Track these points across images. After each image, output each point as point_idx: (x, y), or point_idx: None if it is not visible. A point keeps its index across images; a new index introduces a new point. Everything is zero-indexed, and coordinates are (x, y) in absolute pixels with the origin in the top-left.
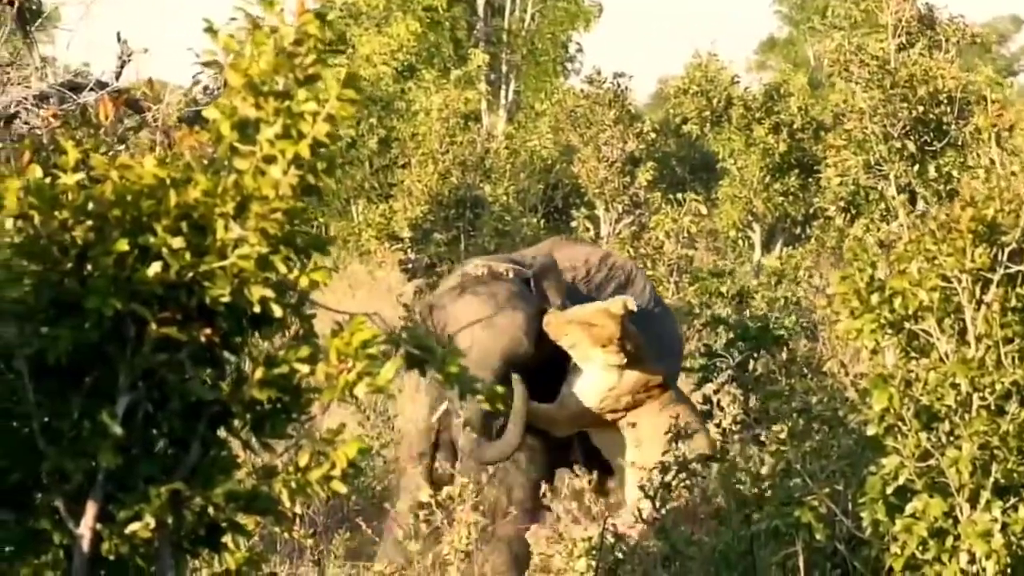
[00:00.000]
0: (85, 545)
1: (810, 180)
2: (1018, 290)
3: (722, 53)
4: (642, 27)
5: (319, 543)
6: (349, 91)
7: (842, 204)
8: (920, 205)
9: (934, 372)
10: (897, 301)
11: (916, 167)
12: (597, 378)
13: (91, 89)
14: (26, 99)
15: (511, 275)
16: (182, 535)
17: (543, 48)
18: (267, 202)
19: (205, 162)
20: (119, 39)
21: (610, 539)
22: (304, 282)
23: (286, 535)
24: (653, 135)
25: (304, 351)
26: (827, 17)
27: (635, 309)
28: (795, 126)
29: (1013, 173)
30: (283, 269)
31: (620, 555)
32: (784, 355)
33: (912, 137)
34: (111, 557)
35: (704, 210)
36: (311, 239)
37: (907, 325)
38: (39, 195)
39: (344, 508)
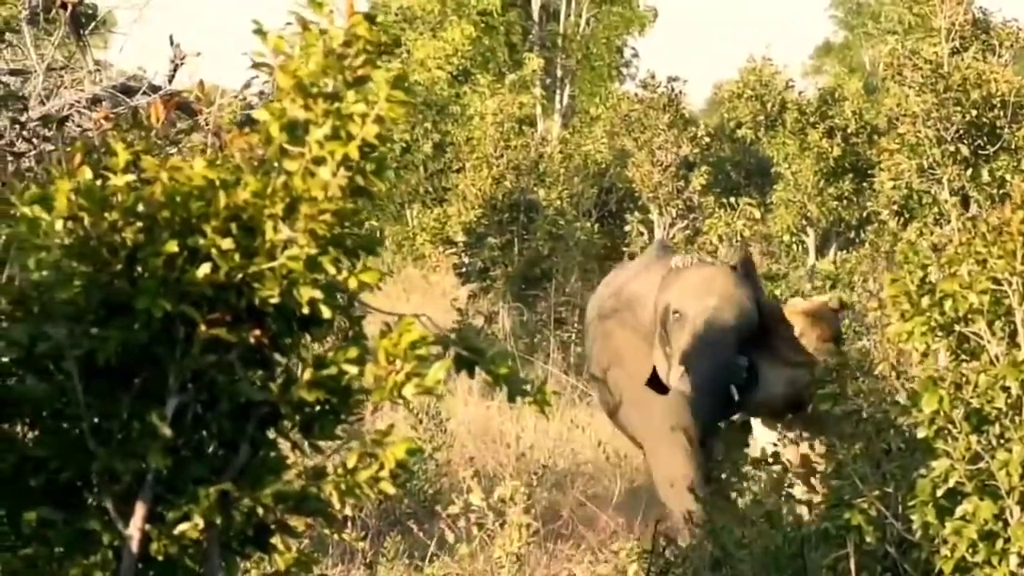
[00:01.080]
0: (134, 546)
1: (864, 184)
2: None
3: (778, 58)
4: (698, 33)
5: (371, 546)
6: (398, 92)
7: (895, 208)
8: (973, 209)
9: (984, 375)
10: (947, 303)
11: (969, 171)
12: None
13: (144, 93)
14: (78, 102)
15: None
16: (231, 536)
17: (598, 53)
18: (316, 203)
19: (255, 164)
20: (172, 43)
21: (661, 542)
22: (353, 283)
23: (337, 537)
24: (707, 139)
25: (353, 352)
26: (881, 22)
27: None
28: (849, 130)
29: None
30: (332, 270)
31: (672, 558)
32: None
33: (965, 141)
34: (160, 558)
35: (758, 214)
36: (360, 240)
37: (957, 327)
38: (89, 196)
39: (396, 511)
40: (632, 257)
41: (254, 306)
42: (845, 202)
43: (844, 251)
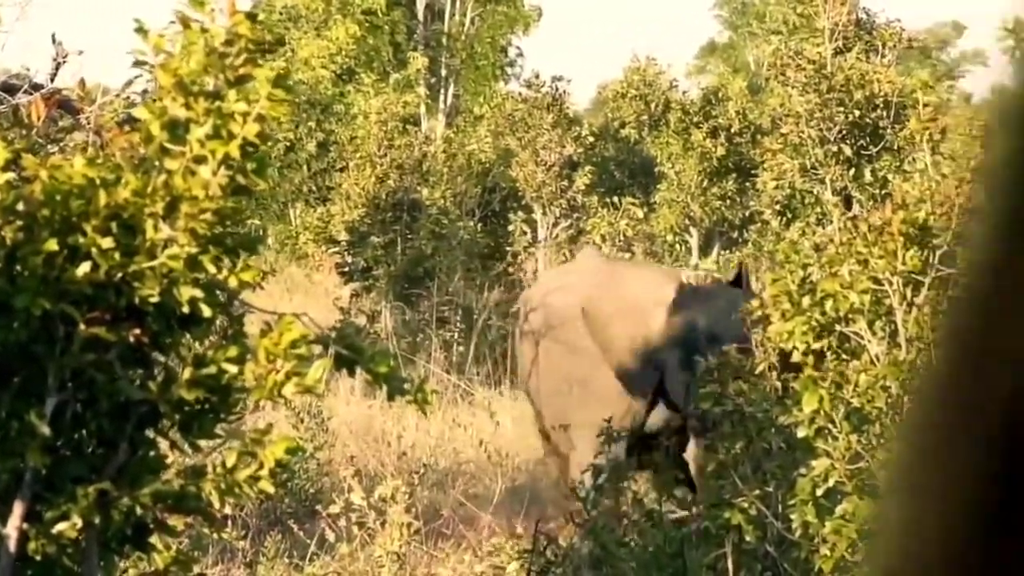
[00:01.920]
0: (11, 545)
1: (747, 184)
2: (949, 293)
3: (663, 58)
4: (582, 32)
5: (251, 545)
6: (280, 91)
7: (778, 208)
8: (856, 209)
9: (865, 374)
10: (828, 303)
11: (852, 171)
12: None
13: (25, 91)
14: None
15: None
16: (109, 535)
17: (482, 52)
18: (197, 202)
19: (135, 162)
20: (54, 41)
21: (543, 541)
22: (234, 282)
23: (216, 536)
24: (591, 139)
25: (233, 351)
26: (765, 22)
27: None
28: (733, 130)
29: (944, 175)
30: (212, 269)
31: (552, 557)
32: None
33: (848, 141)
34: (38, 557)
35: (641, 214)
36: (240, 239)
37: (838, 327)
38: None
39: (277, 510)
40: (516, 256)
41: (134, 305)
42: (728, 202)
43: (727, 251)
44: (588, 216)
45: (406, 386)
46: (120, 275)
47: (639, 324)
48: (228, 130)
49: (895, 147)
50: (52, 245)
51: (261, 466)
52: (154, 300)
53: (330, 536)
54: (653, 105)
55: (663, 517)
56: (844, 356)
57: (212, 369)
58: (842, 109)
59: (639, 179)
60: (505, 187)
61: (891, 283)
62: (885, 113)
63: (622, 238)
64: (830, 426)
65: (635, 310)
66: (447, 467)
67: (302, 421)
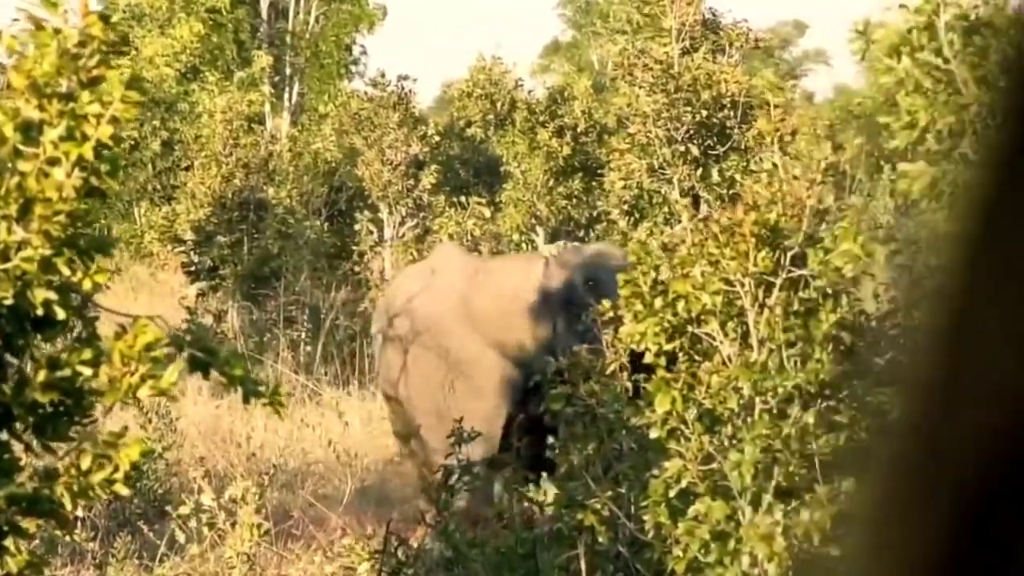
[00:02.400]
0: None
1: (594, 184)
2: (800, 294)
3: (507, 57)
4: (426, 30)
5: (101, 546)
6: (133, 93)
7: (626, 208)
8: (703, 209)
9: (717, 375)
10: (680, 304)
11: (699, 171)
12: None
13: None
14: None
15: None
16: None
17: (327, 50)
18: (51, 204)
19: None
20: None
21: (393, 542)
22: (88, 284)
23: (67, 538)
24: (437, 138)
25: (87, 354)
26: (610, 21)
27: None
28: (579, 129)
29: (795, 177)
30: (66, 271)
31: (403, 558)
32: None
33: (695, 141)
34: None
35: (488, 213)
36: (94, 241)
37: (690, 328)
38: None
39: (126, 511)
40: (362, 256)
41: None
42: (574, 201)
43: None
44: (435, 215)
45: (261, 388)
46: None
47: (522, 311)
48: (82, 132)
49: (742, 147)
50: None
51: (116, 469)
52: (8, 303)
53: (180, 537)
54: (499, 104)
55: (515, 518)
56: (696, 357)
57: (67, 372)
58: (689, 109)
59: (484, 178)
60: (352, 186)
61: (743, 284)
62: (732, 113)
63: (470, 237)
64: (682, 427)
65: (514, 299)
66: (296, 467)
67: (150, 421)
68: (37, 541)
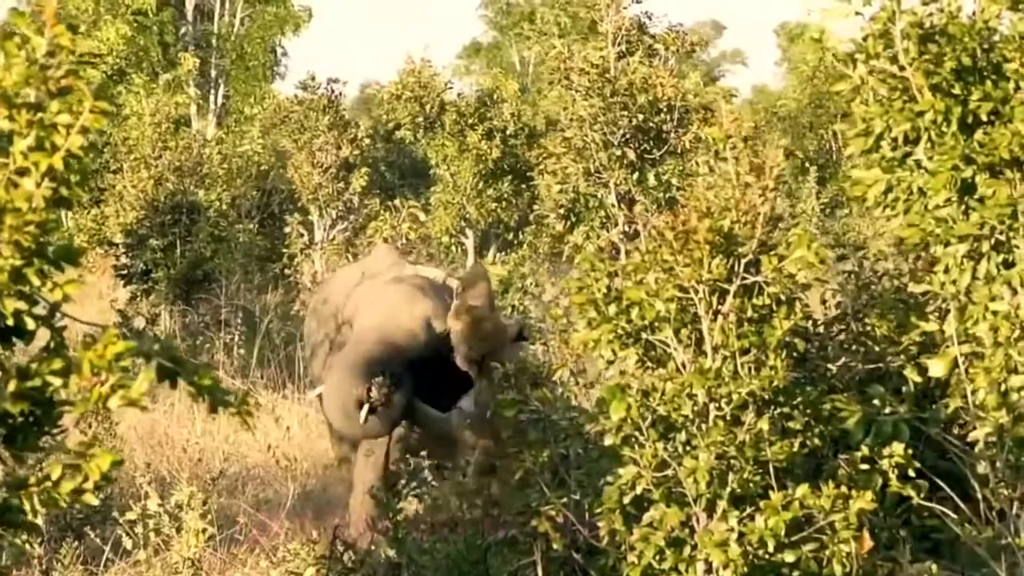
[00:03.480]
0: None
1: (523, 186)
2: (754, 301)
3: (424, 58)
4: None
5: (45, 552)
6: (102, 103)
7: (562, 211)
8: (639, 212)
9: (671, 382)
10: (634, 311)
11: (636, 175)
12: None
13: None
14: None
15: None
16: None
17: (252, 53)
18: (20, 214)
19: None
20: None
21: (339, 547)
22: (58, 294)
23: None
24: (367, 141)
25: (57, 364)
26: (536, 23)
27: None
28: (508, 132)
29: (748, 184)
30: (36, 282)
31: (350, 564)
32: (510, 366)
33: (632, 145)
34: None
35: (423, 216)
36: (61, 251)
37: (644, 335)
38: None
39: (67, 516)
40: (292, 258)
41: None
42: (504, 204)
43: (503, 252)
44: (368, 218)
45: (229, 398)
46: None
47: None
48: (52, 142)
49: (678, 151)
50: None
51: (86, 479)
52: None
53: (127, 543)
54: (428, 107)
55: (465, 524)
56: (649, 364)
57: (37, 382)
58: (626, 113)
59: (409, 180)
60: (283, 189)
61: (697, 291)
62: (668, 117)
63: (405, 240)
64: (637, 434)
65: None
66: (236, 472)
67: (90, 426)
68: None
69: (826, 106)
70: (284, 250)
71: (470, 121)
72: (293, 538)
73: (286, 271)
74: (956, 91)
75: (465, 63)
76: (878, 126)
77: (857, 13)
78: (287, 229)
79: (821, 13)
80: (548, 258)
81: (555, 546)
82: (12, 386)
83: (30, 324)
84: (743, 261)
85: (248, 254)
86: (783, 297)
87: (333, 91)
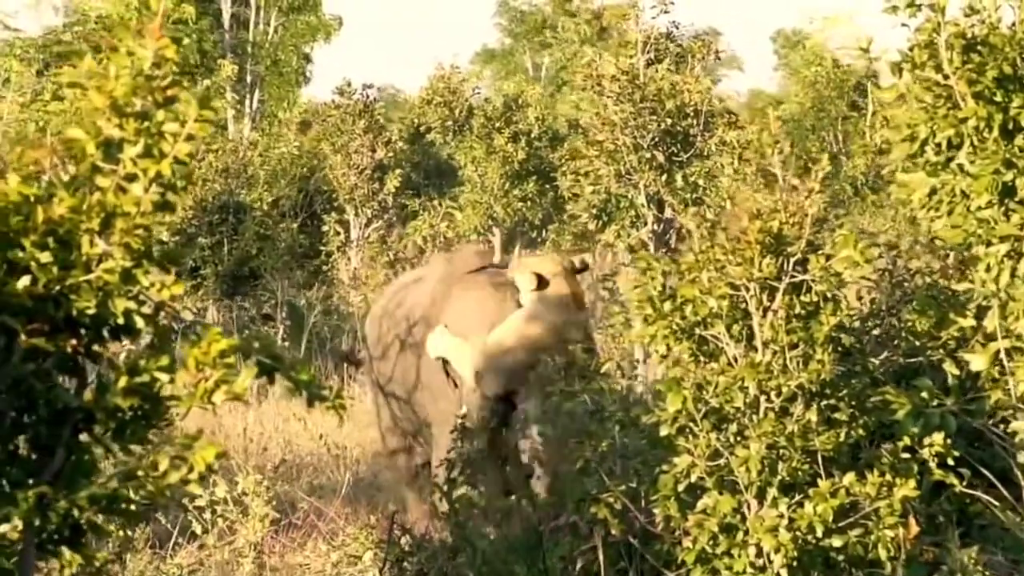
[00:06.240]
0: None
1: (547, 186)
2: (802, 298)
3: (454, 64)
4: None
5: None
6: (207, 112)
7: (594, 211)
8: (668, 212)
9: (723, 376)
10: (688, 308)
11: (664, 177)
12: None
13: None
14: None
15: None
16: (46, 536)
17: (286, 59)
18: (130, 218)
19: (66, 180)
20: None
21: (397, 532)
22: (165, 294)
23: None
24: (401, 144)
25: (164, 360)
26: (558, 31)
27: None
28: (532, 135)
29: (794, 187)
30: (145, 282)
31: (407, 548)
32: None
33: (661, 148)
34: None
35: (460, 217)
36: (165, 252)
37: (698, 331)
38: None
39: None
40: (330, 256)
41: (71, 316)
42: (529, 203)
43: (528, 249)
44: (403, 218)
45: (324, 393)
46: (58, 288)
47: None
48: (159, 149)
49: (705, 154)
50: None
51: (191, 470)
52: (91, 312)
53: (197, 528)
54: (457, 111)
55: (521, 511)
56: (703, 358)
57: (145, 378)
58: (655, 118)
59: (434, 180)
60: (326, 190)
61: (748, 289)
62: (695, 121)
63: (442, 240)
64: (691, 425)
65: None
66: (291, 460)
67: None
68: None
69: (827, 110)
70: (321, 247)
71: (497, 124)
72: (349, 523)
73: (324, 268)
74: (998, 99)
75: (478, 68)
76: (923, 132)
77: (903, 24)
78: (324, 228)
79: (823, 21)
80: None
81: (613, 532)
82: (122, 382)
83: (139, 323)
84: (792, 260)
85: (291, 252)
86: (829, 295)
87: (368, 96)
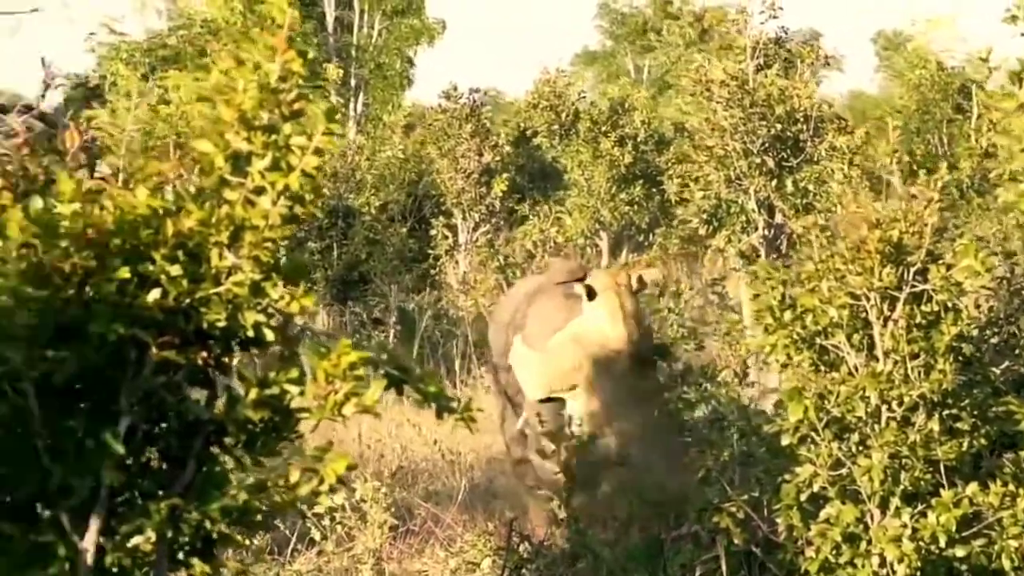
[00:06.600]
0: (88, 558)
1: (653, 190)
2: (923, 308)
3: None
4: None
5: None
6: (335, 125)
7: (704, 216)
8: (778, 218)
9: (845, 385)
10: (808, 318)
11: (774, 182)
12: None
13: (19, 111)
14: None
15: None
16: (177, 547)
17: (389, 63)
18: (259, 231)
19: (194, 192)
20: (43, 64)
21: (515, 539)
22: (295, 307)
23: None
24: (507, 148)
25: (294, 373)
26: (662, 34)
27: None
28: (639, 139)
29: (913, 196)
30: (275, 295)
31: (525, 554)
32: (678, 365)
33: (770, 154)
34: (114, 569)
35: (569, 221)
36: (294, 266)
37: (818, 340)
38: (40, 224)
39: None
40: (437, 259)
41: (201, 329)
42: (635, 206)
43: (635, 252)
44: (512, 222)
45: (453, 405)
46: (188, 301)
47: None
48: (287, 162)
49: (814, 159)
50: (124, 273)
51: (322, 481)
52: (220, 325)
53: (316, 534)
54: (563, 115)
55: (639, 518)
56: (823, 368)
57: (275, 390)
58: (764, 123)
59: (538, 183)
60: (435, 194)
61: (868, 298)
62: (804, 127)
63: (552, 244)
64: (813, 434)
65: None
66: (406, 466)
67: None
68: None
69: (932, 112)
70: (429, 251)
71: (603, 128)
72: (467, 530)
73: (432, 272)
74: None
75: (579, 70)
76: None
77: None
78: (432, 232)
79: (925, 23)
80: (676, 258)
81: (736, 541)
82: (253, 394)
83: (269, 335)
84: (912, 270)
85: (400, 256)
86: (950, 304)
87: (475, 100)
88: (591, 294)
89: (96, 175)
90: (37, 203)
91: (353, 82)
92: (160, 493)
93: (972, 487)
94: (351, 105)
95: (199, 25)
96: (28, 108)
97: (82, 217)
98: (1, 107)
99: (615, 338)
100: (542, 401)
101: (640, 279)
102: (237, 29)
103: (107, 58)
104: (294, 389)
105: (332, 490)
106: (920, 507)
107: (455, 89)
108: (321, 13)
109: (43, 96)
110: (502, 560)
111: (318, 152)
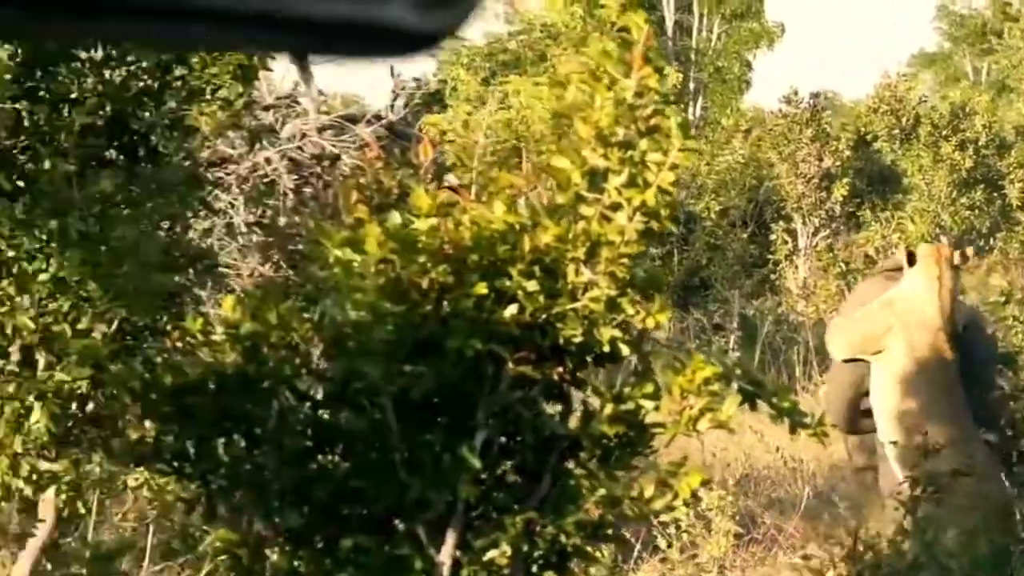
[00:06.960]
0: (445, 571)
1: (995, 194)
2: None
3: (874, 68)
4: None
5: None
6: (691, 142)
7: None
8: None
9: None
10: None
11: None
12: None
13: (367, 122)
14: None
15: None
16: (530, 561)
17: (728, 66)
18: (614, 247)
19: (548, 208)
20: (392, 73)
21: (860, 549)
22: (650, 323)
23: None
24: (848, 152)
25: (649, 388)
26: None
27: None
28: (980, 143)
29: None
30: (630, 311)
31: (870, 564)
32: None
33: None
34: None
35: (911, 227)
36: (650, 278)
37: None
38: (398, 240)
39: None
40: (777, 264)
41: (556, 344)
42: (976, 211)
43: (976, 257)
44: (852, 227)
45: (807, 420)
46: (544, 316)
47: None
48: (643, 178)
49: None
50: (481, 288)
51: (676, 496)
52: (576, 340)
53: (661, 543)
54: (904, 119)
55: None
56: None
57: (630, 405)
58: None
59: (877, 187)
60: (775, 199)
61: None
62: None
63: (894, 250)
64: None
65: None
66: (748, 474)
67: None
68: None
69: None
70: (769, 256)
71: (944, 133)
72: (809, 539)
73: (771, 277)
74: None
75: (915, 72)
76: None
77: None
78: (772, 236)
79: None
80: (1018, 263)
81: None
82: (608, 409)
83: (624, 350)
84: None
85: (740, 262)
86: None
87: (815, 104)
88: (911, 259)
89: (444, 185)
90: (395, 218)
91: (692, 86)
92: (515, 507)
93: None
94: (690, 109)
95: (539, 30)
96: (377, 118)
97: (439, 232)
98: (351, 117)
99: (931, 306)
100: (846, 361)
101: (963, 253)
102: (577, 34)
103: (448, 63)
104: (649, 404)
105: (685, 504)
106: None
107: (795, 93)
108: (660, 17)
109: (392, 106)
110: (847, 570)
111: (674, 168)
